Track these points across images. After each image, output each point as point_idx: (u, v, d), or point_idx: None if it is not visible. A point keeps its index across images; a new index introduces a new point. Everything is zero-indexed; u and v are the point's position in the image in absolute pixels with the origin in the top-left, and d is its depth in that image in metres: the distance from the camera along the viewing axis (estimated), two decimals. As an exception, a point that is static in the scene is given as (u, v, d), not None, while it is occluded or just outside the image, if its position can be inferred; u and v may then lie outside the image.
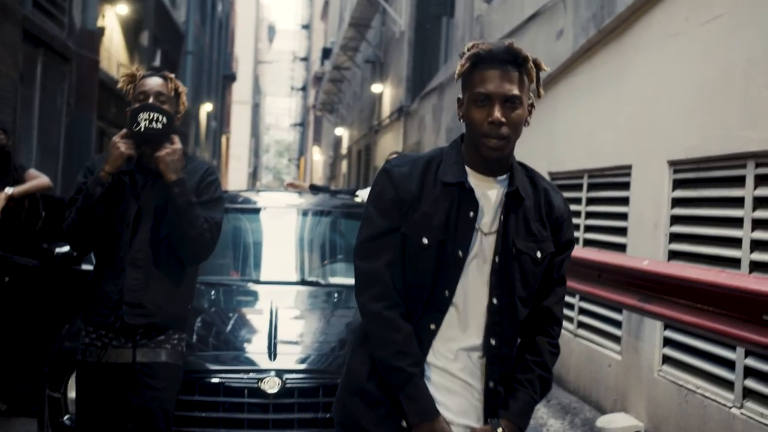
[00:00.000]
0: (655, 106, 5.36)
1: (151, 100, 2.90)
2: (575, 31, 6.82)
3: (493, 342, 2.10)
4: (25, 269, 4.92)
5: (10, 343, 4.98)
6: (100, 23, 12.67)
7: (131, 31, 15.67)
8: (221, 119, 37.75)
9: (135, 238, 2.92)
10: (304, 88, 60.46)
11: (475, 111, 2.07)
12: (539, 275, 2.16)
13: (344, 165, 30.00)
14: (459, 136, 2.24)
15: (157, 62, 17.92)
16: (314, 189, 5.64)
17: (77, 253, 3.02)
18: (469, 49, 2.14)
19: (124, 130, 2.92)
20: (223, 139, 38.89)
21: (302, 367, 3.37)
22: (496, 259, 2.10)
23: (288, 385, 3.21)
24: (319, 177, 35.09)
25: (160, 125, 2.85)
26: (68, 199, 2.98)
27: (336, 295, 4.27)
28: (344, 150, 30.40)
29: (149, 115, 2.83)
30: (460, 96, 2.17)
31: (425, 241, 2.06)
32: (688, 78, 4.95)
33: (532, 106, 2.16)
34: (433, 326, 2.08)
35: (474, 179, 2.13)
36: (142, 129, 2.83)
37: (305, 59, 59.47)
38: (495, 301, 2.10)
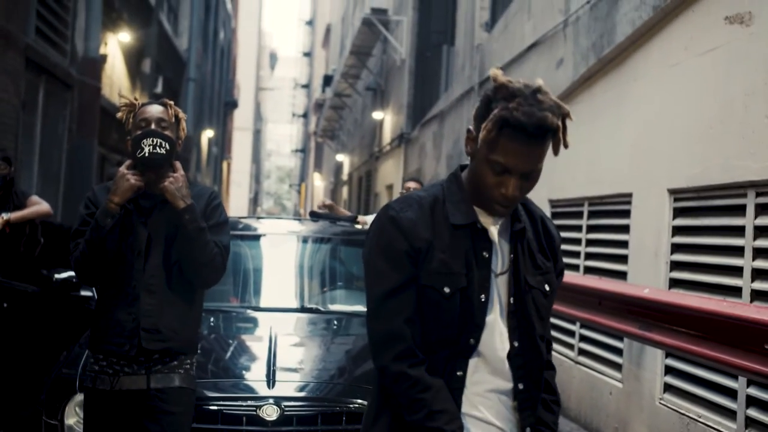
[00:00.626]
0: (656, 135, 5.38)
1: (153, 126, 2.91)
2: (575, 60, 6.86)
3: (521, 386, 2.01)
4: (24, 295, 4.92)
5: (8, 369, 4.97)
6: (102, 51, 12.73)
7: (133, 58, 15.75)
8: (222, 145, 37.86)
9: (147, 264, 2.92)
10: (305, 115, 60.70)
11: (489, 175, 1.94)
12: (550, 308, 2.09)
13: (345, 191, 30.04)
14: (457, 167, 2.14)
15: (159, 89, 18.00)
16: (314, 216, 5.63)
17: (86, 284, 2.98)
18: (497, 90, 1.93)
19: (129, 161, 2.93)
20: (225, 165, 38.99)
21: (301, 394, 3.35)
22: (511, 300, 2.01)
23: (287, 413, 3.19)
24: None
25: (163, 150, 2.86)
26: (72, 231, 2.96)
27: (336, 322, 4.26)
28: (345, 176, 30.46)
29: (153, 141, 2.85)
30: (471, 128, 2.01)
31: (447, 290, 1.95)
32: (688, 107, 4.97)
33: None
34: (460, 373, 1.97)
35: (480, 216, 2.03)
36: (146, 155, 2.84)
37: (306, 86, 59.76)
38: (516, 344, 2.00)
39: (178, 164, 2.95)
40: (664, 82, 5.32)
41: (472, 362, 1.98)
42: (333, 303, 4.55)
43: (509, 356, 2.00)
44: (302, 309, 4.33)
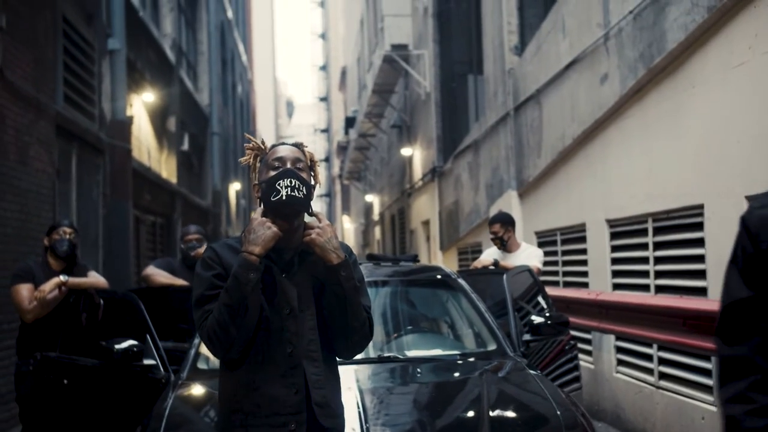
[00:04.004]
0: (724, 142, 5.11)
1: (289, 165, 2.52)
2: (621, 74, 6.62)
3: None
4: (85, 369, 4.71)
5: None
6: (128, 112, 12.71)
7: (158, 117, 15.74)
8: (250, 197, 37.89)
9: (302, 327, 2.50)
10: (327, 159, 60.83)
11: None
12: None
13: (377, 231, 29.83)
14: None
15: (185, 146, 17.99)
16: (372, 259, 5.40)
17: (221, 358, 2.53)
18: None
19: (261, 207, 2.54)
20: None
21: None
22: None
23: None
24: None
25: (301, 195, 2.47)
26: (196, 298, 2.50)
27: (416, 370, 4.00)
28: (376, 216, 30.26)
29: (290, 182, 2.46)
30: None
31: None
32: (759, 108, 4.71)
33: None
34: None
35: None
36: (284, 198, 2.44)
37: (326, 131, 59.99)
38: None
39: (321, 214, 2.58)
40: (728, 85, 5.06)
41: None
42: (409, 349, 4.30)
43: None
44: (380, 359, 4.08)
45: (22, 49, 8.24)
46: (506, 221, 6.61)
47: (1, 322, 7.39)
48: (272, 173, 2.52)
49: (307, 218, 2.61)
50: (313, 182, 2.62)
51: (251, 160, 2.64)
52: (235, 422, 2.47)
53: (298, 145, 2.65)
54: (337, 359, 2.63)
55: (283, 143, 2.65)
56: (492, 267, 6.16)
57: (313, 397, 2.47)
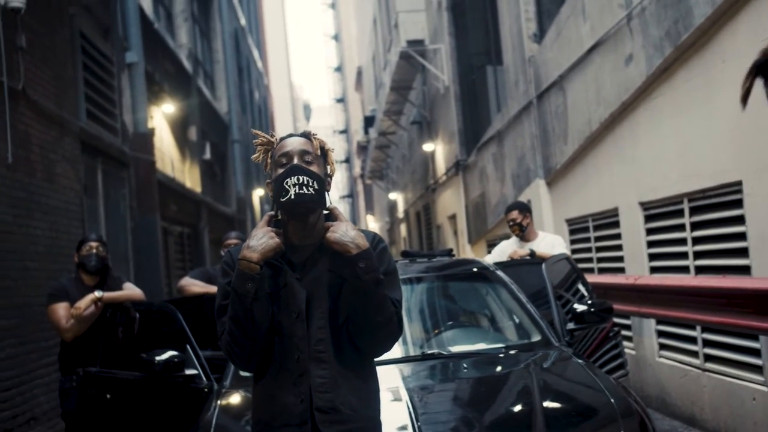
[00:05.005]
0: (760, 114, 4.99)
1: (295, 160, 2.40)
2: (647, 53, 6.50)
3: None
4: (126, 383, 4.69)
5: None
6: (150, 125, 12.73)
7: (179, 128, 15.77)
8: (272, 202, 37.90)
9: (310, 329, 2.36)
10: (347, 160, 60.85)
11: None
12: None
13: (403, 229, 29.76)
14: None
15: (207, 155, 18.02)
16: (407, 256, 5.33)
17: (242, 370, 2.46)
18: None
19: (269, 215, 2.45)
20: (278, 222, 38.95)
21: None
22: None
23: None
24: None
25: (311, 190, 2.33)
26: (216, 308, 2.43)
27: (464, 366, 3.93)
28: (401, 214, 30.19)
29: (298, 180, 2.33)
30: None
31: None
32: (795, 78, 4.59)
33: None
34: None
35: None
36: (293, 197, 2.32)
37: (344, 131, 60.00)
38: None
39: (337, 210, 2.44)
40: (761, 57, 4.94)
41: None
42: (452, 345, 4.23)
43: None
44: (423, 356, 4.02)
45: (42, 67, 8.26)
46: (523, 208, 6.55)
47: (39, 340, 7.41)
48: (280, 171, 2.41)
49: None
50: (328, 171, 2.50)
51: (262, 156, 2.52)
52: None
53: (306, 135, 2.51)
54: (375, 358, 2.49)
55: (291, 135, 2.52)
56: (528, 257, 6.07)
57: (314, 402, 2.33)
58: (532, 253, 6.05)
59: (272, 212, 2.46)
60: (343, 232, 2.33)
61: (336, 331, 2.38)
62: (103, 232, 9.91)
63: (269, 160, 2.49)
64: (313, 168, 2.41)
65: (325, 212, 2.46)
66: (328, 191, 2.44)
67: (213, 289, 5.46)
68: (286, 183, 2.34)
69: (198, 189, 17.03)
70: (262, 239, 2.34)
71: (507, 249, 6.46)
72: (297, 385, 2.34)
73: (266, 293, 2.35)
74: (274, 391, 2.37)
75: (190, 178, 16.50)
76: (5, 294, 6.93)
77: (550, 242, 6.39)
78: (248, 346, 2.34)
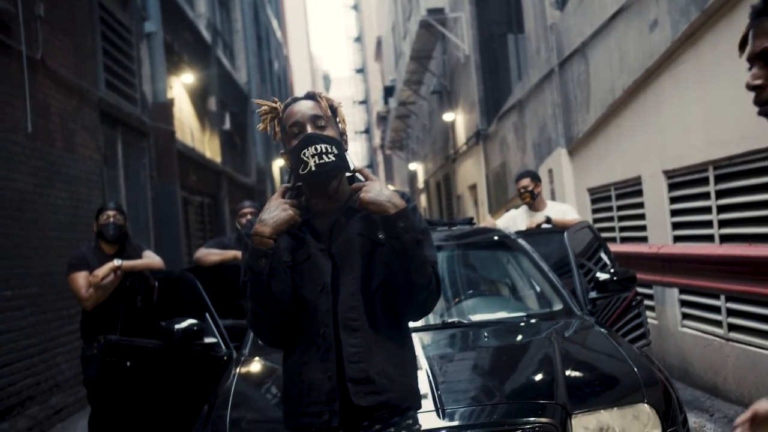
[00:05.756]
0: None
1: (308, 128, 2.24)
2: (672, 19, 6.37)
3: None
4: (146, 351, 4.70)
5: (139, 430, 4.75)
6: (169, 95, 12.72)
7: (198, 98, 15.75)
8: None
9: (339, 298, 2.22)
10: (367, 131, 60.71)
11: None
12: None
13: (423, 199, 29.70)
14: None
15: (227, 125, 18.01)
16: (428, 224, 5.28)
17: (274, 347, 2.33)
18: None
19: (284, 186, 2.30)
20: (298, 192, 38.98)
21: (475, 422, 2.98)
22: None
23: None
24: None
25: (332, 157, 2.19)
26: (240, 284, 2.29)
27: (485, 334, 3.89)
28: (420, 184, 30.12)
29: (316, 149, 2.19)
30: None
31: None
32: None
33: None
34: None
35: None
36: (313, 168, 2.18)
37: (364, 102, 59.80)
38: None
39: (364, 169, 2.27)
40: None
41: None
42: (473, 313, 4.18)
43: None
44: (444, 325, 3.98)
45: (61, 38, 8.24)
46: (534, 175, 6.50)
47: (60, 308, 7.45)
48: (294, 142, 2.25)
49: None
50: (340, 128, 2.34)
51: (269, 124, 2.35)
52: (287, 409, 2.30)
53: (312, 96, 2.34)
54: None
55: (295, 99, 2.34)
56: (546, 225, 6.00)
57: (347, 372, 2.18)
58: (548, 220, 5.98)
59: (288, 184, 2.33)
60: (377, 191, 2.17)
61: (369, 298, 2.24)
62: (123, 201, 9.93)
63: (277, 129, 2.35)
64: (328, 131, 2.27)
65: (348, 174, 2.34)
66: (346, 150, 2.31)
67: (230, 254, 5.44)
68: (304, 155, 2.20)
69: (218, 159, 17.04)
70: (274, 212, 2.21)
71: (518, 218, 6.40)
72: (324, 361, 2.21)
73: (284, 267, 2.24)
74: (301, 367, 2.26)
75: (209, 148, 16.50)
76: (27, 263, 6.97)
77: (561, 210, 6.33)
78: (271, 323, 2.24)
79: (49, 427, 6.99)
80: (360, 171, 2.28)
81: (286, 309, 2.23)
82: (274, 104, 2.34)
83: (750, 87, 1.63)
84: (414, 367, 2.35)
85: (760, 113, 1.64)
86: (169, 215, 11.79)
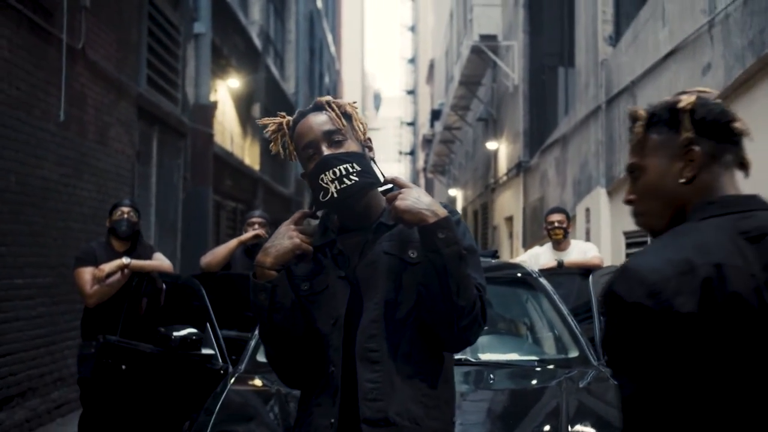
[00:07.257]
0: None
1: (323, 148, 1.97)
2: (727, 63, 6.12)
3: None
4: (143, 356, 4.54)
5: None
6: (212, 98, 12.67)
7: (243, 104, 15.71)
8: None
9: (360, 326, 1.93)
10: (412, 152, 60.66)
11: None
12: None
13: (459, 226, 29.44)
14: None
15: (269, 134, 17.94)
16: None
17: (295, 388, 2.08)
18: None
19: (300, 213, 2.04)
20: (336, 207, 38.99)
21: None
22: None
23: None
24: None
25: (354, 177, 1.93)
26: (251, 306, 2.06)
27: (492, 376, 3.67)
28: (459, 210, 29.86)
29: (334, 173, 1.93)
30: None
31: None
32: None
33: None
34: None
35: None
36: (335, 195, 1.93)
37: (412, 124, 59.80)
38: None
39: (398, 178, 1.98)
40: None
41: None
42: (484, 352, 3.96)
43: None
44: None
45: (105, 30, 8.20)
46: (567, 212, 6.34)
47: (72, 302, 7.34)
48: (311, 166, 1.97)
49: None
50: (360, 130, 2.04)
51: (280, 144, 2.07)
52: None
53: (321, 107, 2.03)
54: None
55: (303, 114, 2.05)
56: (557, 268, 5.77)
57: (362, 412, 1.88)
58: (560, 264, 5.76)
59: (306, 210, 2.08)
60: (415, 198, 1.88)
61: (394, 326, 1.93)
62: (153, 200, 9.86)
63: (291, 148, 2.07)
64: (347, 145, 1.99)
65: (380, 189, 2.04)
66: (373, 159, 2.02)
67: (233, 243, 5.37)
68: (322, 180, 1.94)
69: (256, 166, 16.98)
70: (278, 241, 1.98)
71: (541, 255, 6.20)
72: (332, 405, 1.93)
73: (291, 302, 1.97)
74: (313, 408, 1.98)
75: (249, 154, 16.44)
76: (44, 252, 6.88)
77: (583, 249, 6.12)
78: (283, 361, 2.01)
79: (49, 421, 6.86)
80: (393, 180, 1.99)
81: (297, 346, 1.99)
82: (281, 119, 2.10)
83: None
84: (451, 408, 2.01)
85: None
86: (198, 217, 11.69)
